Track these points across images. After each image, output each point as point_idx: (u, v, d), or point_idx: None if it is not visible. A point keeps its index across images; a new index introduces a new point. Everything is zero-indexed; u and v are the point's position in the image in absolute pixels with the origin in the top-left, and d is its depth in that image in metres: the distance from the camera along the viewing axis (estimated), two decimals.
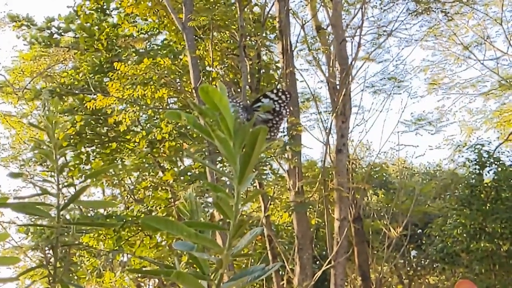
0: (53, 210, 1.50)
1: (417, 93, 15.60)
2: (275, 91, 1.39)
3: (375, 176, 12.46)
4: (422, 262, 13.08)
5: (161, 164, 10.49)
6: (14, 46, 21.00)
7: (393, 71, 11.69)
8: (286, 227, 11.65)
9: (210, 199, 8.70)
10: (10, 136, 13.73)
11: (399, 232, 9.46)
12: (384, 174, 13.09)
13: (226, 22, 8.83)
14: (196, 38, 9.28)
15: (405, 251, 11.36)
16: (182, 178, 9.72)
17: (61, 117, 11.04)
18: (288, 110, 1.41)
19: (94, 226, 1.58)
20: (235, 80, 9.75)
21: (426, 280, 13.63)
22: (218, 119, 1.03)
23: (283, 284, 8.81)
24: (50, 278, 1.47)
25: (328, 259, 8.14)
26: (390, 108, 17.17)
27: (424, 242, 11.84)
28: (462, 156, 12.67)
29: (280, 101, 1.39)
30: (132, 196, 11.13)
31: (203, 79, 9.18)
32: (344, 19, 9.66)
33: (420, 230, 12.24)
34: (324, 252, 10.69)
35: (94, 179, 10.78)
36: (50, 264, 1.48)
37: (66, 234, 1.52)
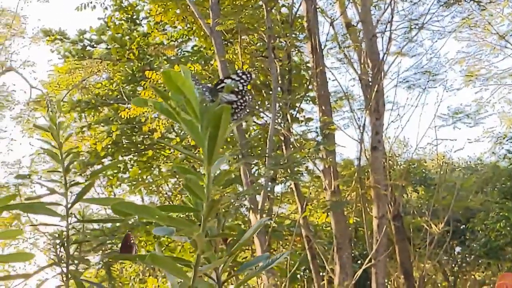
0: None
1: (453, 86, 15.37)
2: (239, 72, 1.42)
3: (414, 173, 12.31)
4: (467, 258, 12.85)
5: (197, 170, 10.52)
6: (49, 60, 21.37)
7: (427, 65, 11.52)
8: (324, 227, 11.58)
9: (246, 202, 8.72)
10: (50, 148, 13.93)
11: (441, 228, 9.32)
12: (423, 170, 12.92)
13: (255, 25, 8.83)
14: (225, 42, 9.31)
15: (448, 247, 11.18)
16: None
17: (98, 128, 11.23)
18: (248, 93, 1.43)
19: (102, 222, 1.60)
20: (266, 82, 9.74)
21: (472, 276, 13.39)
22: (184, 103, 1.03)
23: (324, 284, 8.75)
24: (63, 275, 1.49)
25: (368, 258, 8.06)
26: (426, 102, 16.89)
27: (467, 237, 11.64)
28: (503, 148, 12.46)
29: (242, 81, 1.41)
30: (170, 202, 11.20)
31: None
32: (373, 14, 9.57)
33: (463, 226, 12.04)
34: (364, 251, 10.60)
35: (133, 188, 10.91)
36: (63, 261, 1.51)
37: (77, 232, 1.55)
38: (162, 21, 10.26)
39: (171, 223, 1.05)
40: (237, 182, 9.20)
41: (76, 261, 1.47)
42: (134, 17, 11.10)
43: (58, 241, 1.49)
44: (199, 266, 1.08)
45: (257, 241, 7.98)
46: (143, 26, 11.22)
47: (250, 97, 1.43)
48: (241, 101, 1.41)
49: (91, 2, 10.39)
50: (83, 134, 11.41)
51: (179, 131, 10.60)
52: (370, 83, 8.52)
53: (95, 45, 11.44)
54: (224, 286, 1.39)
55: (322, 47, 8.99)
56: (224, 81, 1.42)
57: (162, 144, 10.40)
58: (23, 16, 16.21)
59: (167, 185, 11.52)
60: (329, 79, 9.17)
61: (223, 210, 9.75)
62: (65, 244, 1.46)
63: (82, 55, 11.32)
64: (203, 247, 1.06)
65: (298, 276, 11.12)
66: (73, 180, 1.56)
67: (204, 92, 1.37)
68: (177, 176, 10.93)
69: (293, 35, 9.33)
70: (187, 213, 1.25)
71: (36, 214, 1.44)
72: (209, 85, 1.42)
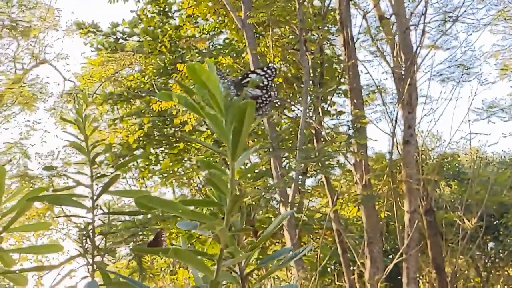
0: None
1: (488, 80, 15.10)
2: (264, 67, 1.40)
3: (447, 167, 12.17)
4: (500, 253, 12.67)
5: (228, 162, 10.53)
6: (82, 53, 21.58)
7: (461, 58, 11.35)
8: (355, 221, 11.53)
9: (276, 195, 8.71)
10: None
11: (473, 223, 9.21)
12: (456, 164, 12.77)
13: (287, 17, 8.79)
14: (257, 35, 9.29)
15: (481, 242, 11.04)
16: (248, 175, 9.75)
17: (130, 120, 11.31)
18: (274, 86, 1.41)
19: (127, 214, 1.60)
20: (298, 75, 9.70)
21: (505, 272, 13.21)
22: (208, 97, 1.02)
23: (354, 278, 8.72)
24: (89, 267, 1.51)
25: (399, 252, 8.01)
26: (460, 96, 16.71)
27: (501, 233, 11.49)
28: None
29: (267, 75, 1.40)
30: (201, 194, 11.24)
31: None
32: (407, 7, 9.46)
33: (496, 221, 11.88)
34: (396, 246, 10.52)
35: (164, 180, 10.97)
36: (88, 252, 1.52)
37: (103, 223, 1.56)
38: (194, 14, 10.28)
39: (194, 217, 1.04)
40: (267, 175, 9.19)
41: (102, 253, 1.48)
42: (166, 10, 11.13)
43: (84, 233, 1.50)
44: (222, 260, 1.07)
45: (287, 235, 7.98)
46: (175, 19, 11.25)
47: (276, 92, 1.42)
48: (266, 96, 1.40)
49: None
50: (116, 126, 11.50)
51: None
52: (403, 77, 8.44)
53: (127, 38, 11.51)
54: (254, 279, 1.38)
55: (355, 40, 8.93)
56: (249, 75, 1.41)
57: (193, 137, 10.42)
58: (57, 9, 16.40)
59: (198, 177, 11.55)
60: (361, 72, 9.11)
61: (253, 203, 9.77)
62: (91, 236, 1.47)
63: (114, 47, 11.40)
64: (226, 241, 1.05)
65: (329, 269, 11.09)
66: (99, 173, 1.56)
67: (229, 86, 1.36)
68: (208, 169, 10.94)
69: (325, 28, 9.27)
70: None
71: (63, 206, 1.45)
72: (234, 79, 1.40)
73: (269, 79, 1.40)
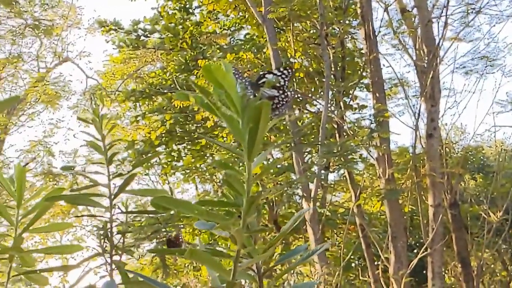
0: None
1: None
2: (280, 68, 1.40)
3: (471, 160, 12.06)
4: None
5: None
6: (104, 51, 21.71)
7: (484, 50, 11.22)
8: (379, 216, 11.47)
9: (299, 190, 8.69)
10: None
11: (499, 216, 9.13)
12: (481, 157, 12.66)
13: (308, 12, 8.75)
14: (277, 30, 9.26)
15: (507, 236, 10.94)
16: (271, 170, 9.74)
17: (152, 117, 11.35)
18: (291, 89, 1.41)
19: (144, 214, 1.60)
20: (320, 70, 9.66)
21: None
22: (224, 97, 1.02)
23: (378, 273, 8.68)
24: (107, 266, 1.51)
25: (424, 247, 7.96)
26: (484, 88, 16.53)
27: None
28: None
29: (283, 76, 1.39)
30: (223, 190, 11.25)
31: None
32: None
33: None
34: (421, 240, 10.46)
35: (187, 176, 10.99)
36: (107, 252, 1.52)
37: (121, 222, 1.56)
38: (214, 10, 10.27)
39: (210, 217, 1.03)
40: (290, 170, 9.17)
41: (120, 252, 1.48)
42: (187, 6, 11.15)
43: (102, 232, 1.50)
44: (238, 260, 1.06)
45: (310, 230, 7.95)
46: (196, 15, 11.26)
47: (293, 92, 1.41)
48: (283, 96, 1.39)
49: None
50: (138, 123, 11.55)
51: None
52: (426, 70, 8.37)
53: (149, 35, 11.54)
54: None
55: (376, 33, 8.87)
56: (266, 76, 1.40)
57: (215, 133, 10.43)
58: (79, 7, 16.53)
59: (220, 173, 11.57)
60: (383, 65, 9.05)
61: (276, 198, 9.76)
62: (109, 235, 1.47)
63: (136, 45, 11.44)
64: (243, 242, 1.04)
65: (353, 264, 11.05)
66: (117, 171, 1.56)
67: (246, 86, 1.36)
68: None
69: (347, 22, 9.22)
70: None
71: (80, 205, 1.46)
72: (251, 79, 1.40)
73: (285, 79, 1.40)
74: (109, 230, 1.47)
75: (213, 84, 1.05)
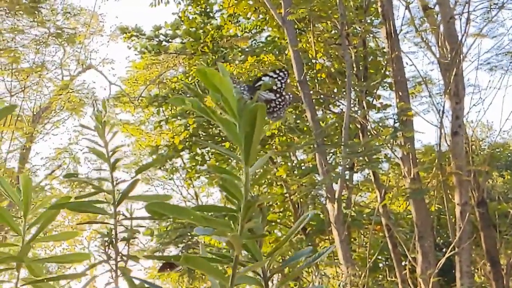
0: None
1: None
2: (276, 70, 1.38)
3: (498, 157, 11.92)
4: None
5: (274, 160, 10.52)
6: (127, 57, 21.88)
7: (508, 45, 11.08)
8: (406, 216, 11.38)
9: (322, 191, 8.65)
10: (130, 144, 14.30)
11: None
12: (508, 154, 12.50)
13: (329, 12, 8.72)
14: (299, 31, 9.24)
15: None
16: (295, 172, 9.71)
17: (175, 121, 11.39)
18: (287, 93, 1.39)
19: (149, 219, 1.59)
20: (342, 70, 9.62)
21: None
22: (221, 101, 1.00)
23: (406, 273, 8.61)
24: (112, 273, 1.51)
25: (451, 246, 7.87)
26: (509, 84, 16.33)
27: None
28: None
29: (279, 78, 1.37)
30: None
31: (309, 71, 9.13)
32: None
33: None
34: (449, 239, 10.36)
35: (211, 180, 11.00)
36: (111, 258, 1.52)
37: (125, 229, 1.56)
38: (235, 13, 10.28)
39: (207, 223, 1.02)
40: (314, 171, 9.14)
41: (125, 258, 1.48)
42: (208, 10, 11.17)
43: (106, 239, 1.50)
44: (237, 267, 1.04)
45: (335, 231, 7.91)
46: (216, 19, 11.28)
47: (291, 96, 1.40)
48: (280, 100, 1.38)
49: None
50: (161, 128, 11.61)
51: None
52: (449, 67, 8.29)
53: (170, 40, 11.59)
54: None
55: (398, 31, 8.81)
56: (262, 78, 1.39)
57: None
58: (101, 15, 16.67)
59: None
60: (407, 64, 8.99)
61: (301, 200, 9.73)
62: (114, 242, 1.47)
63: (158, 50, 11.49)
64: (240, 248, 1.02)
65: (380, 265, 10.97)
66: (121, 178, 1.56)
67: (243, 91, 1.34)
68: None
69: (368, 21, 9.17)
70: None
71: (84, 212, 1.46)
72: (248, 84, 1.39)
73: (281, 81, 1.38)
74: (113, 236, 1.46)
75: (209, 88, 1.04)
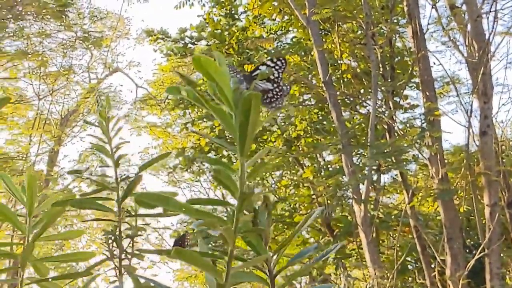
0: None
1: None
2: (274, 59, 1.34)
3: None
4: None
5: (301, 162, 10.48)
6: (153, 60, 22.02)
7: None
8: (435, 217, 11.25)
9: (348, 192, 8.58)
10: (157, 146, 14.35)
11: None
12: None
13: (354, 12, 8.66)
14: (323, 31, 9.19)
15: None
16: (321, 173, 9.66)
17: (201, 123, 11.42)
18: (284, 84, 1.35)
19: (153, 217, 1.57)
20: (369, 70, 9.55)
21: None
22: (216, 90, 0.98)
23: (435, 275, 8.51)
24: (116, 271, 1.49)
25: (481, 247, 7.76)
26: None
27: None
28: None
29: (277, 67, 1.33)
30: (275, 195, 11.23)
31: (335, 72, 9.09)
32: None
33: None
34: (479, 241, 10.22)
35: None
36: (115, 256, 1.50)
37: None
38: (260, 15, 10.27)
39: (199, 215, 0.99)
40: (341, 173, 9.08)
41: (129, 256, 1.46)
42: (232, 12, 11.18)
43: (110, 236, 1.48)
44: (231, 262, 1.01)
45: (362, 233, 7.85)
46: (241, 21, 11.28)
47: (288, 87, 1.35)
48: (277, 89, 1.34)
49: (188, 0, 10.56)
50: (187, 130, 11.63)
51: (281, 123, 10.57)
52: (477, 66, 8.19)
53: (195, 42, 11.62)
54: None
55: (424, 30, 8.72)
56: (259, 67, 1.35)
57: (264, 138, 10.43)
58: (127, 18, 16.80)
59: (272, 177, 11.55)
60: (434, 63, 8.89)
61: (328, 201, 9.66)
62: (118, 239, 1.45)
63: (184, 52, 11.52)
64: (233, 242, 0.99)
65: (410, 267, 10.87)
66: (125, 175, 1.54)
67: (241, 81, 1.30)
68: (282, 169, 10.93)
69: (394, 21, 9.09)
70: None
71: (87, 209, 1.45)
72: (245, 73, 1.35)
73: (279, 70, 1.34)
74: (117, 234, 1.45)
75: (204, 76, 1.01)
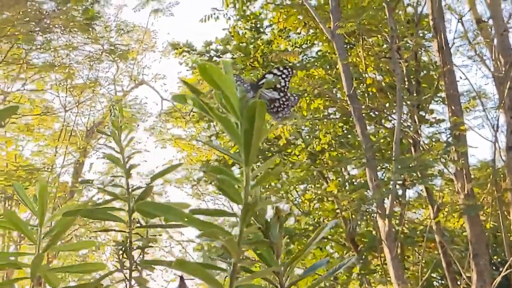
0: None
1: None
2: (281, 68, 1.32)
3: None
4: None
5: (325, 175, 10.44)
6: (178, 73, 22.16)
7: None
8: (461, 233, 11.12)
9: (373, 207, 8.51)
10: (182, 158, 14.39)
11: None
12: None
13: (379, 25, 8.64)
14: (348, 45, 9.18)
15: None
16: (346, 188, 9.61)
17: (225, 136, 11.42)
18: (292, 94, 1.33)
19: (165, 227, 1.56)
20: (394, 84, 9.51)
21: None
22: (222, 98, 0.96)
23: None
24: (126, 282, 1.48)
25: (507, 264, 7.66)
26: None
27: None
28: None
29: (283, 76, 1.31)
30: (299, 209, 11.19)
31: (360, 85, 9.06)
32: (504, 8, 9.13)
33: None
34: (506, 258, 10.09)
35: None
36: (126, 267, 1.50)
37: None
38: (285, 28, 10.28)
39: (202, 226, 0.97)
40: (366, 187, 9.03)
41: (139, 268, 1.45)
42: (258, 25, 11.21)
43: (120, 247, 1.47)
44: (236, 275, 0.99)
45: (386, 248, 7.77)
46: (266, 34, 11.31)
47: (296, 97, 1.34)
48: (284, 99, 1.32)
49: (214, 14, 10.62)
50: (212, 143, 11.67)
51: (305, 137, 10.56)
52: (503, 80, 8.13)
53: (221, 55, 11.66)
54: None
55: (450, 45, 8.67)
56: (266, 76, 1.34)
57: (288, 151, 10.40)
58: (153, 31, 16.94)
59: (296, 191, 11.50)
60: (460, 78, 8.83)
61: (352, 216, 9.60)
62: (128, 250, 1.44)
63: None
64: (238, 254, 0.97)
65: (435, 283, 10.75)
66: (137, 185, 1.53)
67: (248, 90, 1.29)
68: (306, 182, 10.90)
69: (420, 35, 9.05)
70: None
71: (98, 219, 1.44)
72: (252, 82, 1.34)
73: (286, 79, 1.32)
74: (127, 245, 1.44)
75: (210, 84, 1.00)
